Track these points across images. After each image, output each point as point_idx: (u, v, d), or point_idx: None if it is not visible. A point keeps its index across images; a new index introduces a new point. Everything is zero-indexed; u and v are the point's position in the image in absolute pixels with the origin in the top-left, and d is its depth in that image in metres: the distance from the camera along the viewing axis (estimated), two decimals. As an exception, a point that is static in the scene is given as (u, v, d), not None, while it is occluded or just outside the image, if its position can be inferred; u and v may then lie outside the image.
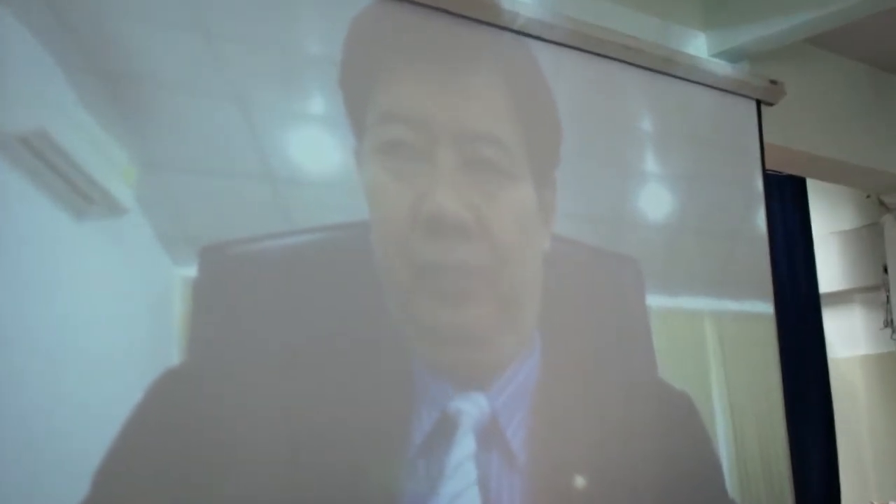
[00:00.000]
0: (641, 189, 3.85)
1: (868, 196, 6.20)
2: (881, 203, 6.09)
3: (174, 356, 2.54)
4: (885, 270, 6.09)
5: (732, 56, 4.27)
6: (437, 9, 3.18)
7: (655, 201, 3.88)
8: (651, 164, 3.89)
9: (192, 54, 2.69)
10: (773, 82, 4.33)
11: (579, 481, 3.29)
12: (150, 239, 2.54)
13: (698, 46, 4.24)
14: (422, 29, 3.18)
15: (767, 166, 4.35)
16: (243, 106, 2.77)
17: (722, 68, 4.20)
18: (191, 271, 2.60)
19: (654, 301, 3.73)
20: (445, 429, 2.97)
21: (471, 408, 3.02)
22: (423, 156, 3.07)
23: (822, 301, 5.86)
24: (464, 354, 3.10)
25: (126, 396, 2.43)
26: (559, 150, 3.49)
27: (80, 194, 2.43)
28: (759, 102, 4.32)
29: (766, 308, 4.18)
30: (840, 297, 6.31)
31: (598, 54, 3.69)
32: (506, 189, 3.26)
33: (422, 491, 2.89)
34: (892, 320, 6.12)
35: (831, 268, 6.24)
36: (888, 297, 6.10)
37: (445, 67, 3.20)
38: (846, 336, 6.25)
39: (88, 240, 2.44)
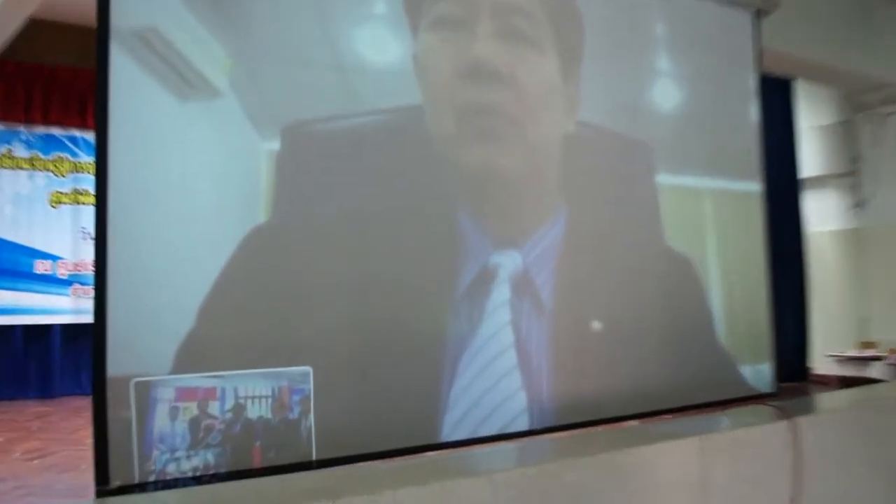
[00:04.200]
0: (655, 85, 3.75)
1: (846, 96, 6.05)
2: (857, 102, 5.95)
3: (261, 215, 2.55)
4: (857, 160, 5.99)
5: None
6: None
7: (666, 96, 3.78)
8: (663, 64, 3.79)
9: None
10: (771, -7, 4.15)
11: (595, 325, 3.29)
12: (242, 118, 2.53)
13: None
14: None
15: (761, 68, 4.20)
16: (320, 4, 2.71)
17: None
18: (275, 146, 2.59)
19: (663, 180, 3.66)
20: (485, 279, 2.97)
21: (507, 261, 3.02)
22: (465, 25, 3.04)
23: (803, 184, 5.76)
24: (500, 200, 3.08)
25: (223, 247, 2.46)
26: (582, 46, 3.40)
27: (184, 80, 2.43)
28: (757, 11, 4.16)
29: (756, 187, 4.09)
30: (818, 182, 6.21)
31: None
32: (534, 56, 3.22)
33: (464, 329, 2.91)
34: (860, 202, 6.03)
35: (812, 156, 6.13)
36: (858, 182, 6.01)
37: None
38: (822, 214, 6.16)
39: (190, 118, 2.44)
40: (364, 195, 2.74)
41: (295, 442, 2.52)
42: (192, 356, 2.35)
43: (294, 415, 2.53)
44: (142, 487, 2.24)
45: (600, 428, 3.00)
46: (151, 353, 2.30)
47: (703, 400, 3.67)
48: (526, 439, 3.00)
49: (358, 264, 2.71)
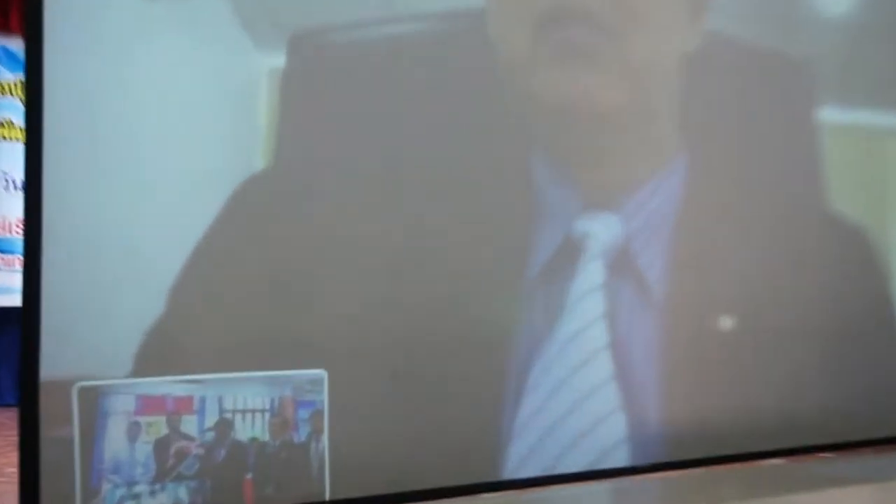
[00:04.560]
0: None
1: None
2: None
3: (258, 160, 2.55)
4: None
5: None
6: None
7: (835, -3, 3.72)
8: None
9: None
10: None
11: (725, 322, 3.26)
12: (232, 23, 2.52)
13: None
14: None
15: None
16: None
17: None
18: (278, 61, 2.58)
19: (828, 115, 3.61)
20: (569, 254, 2.96)
21: (600, 229, 3.00)
22: None
23: None
24: (591, 143, 3.06)
25: (204, 204, 2.45)
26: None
27: (151, -33, 2.42)
28: None
29: (966, 127, 4.02)
30: None
31: None
32: None
33: (539, 324, 2.91)
34: None
35: None
36: None
37: None
38: None
39: (160, 22, 2.42)
40: (401, 134, 2.74)
41: (301, 474, 2.53)
42: (159, 353, 2.36)
43: (301, 437, 2.54)
44: (87, 534, 2.28)
45: (731, 466, 2.99)
46: (103, 348, 2.31)
47: (882, 434, 3.64)
48: (625, 479, 3.01)
49: (391, 230, 2.71)
